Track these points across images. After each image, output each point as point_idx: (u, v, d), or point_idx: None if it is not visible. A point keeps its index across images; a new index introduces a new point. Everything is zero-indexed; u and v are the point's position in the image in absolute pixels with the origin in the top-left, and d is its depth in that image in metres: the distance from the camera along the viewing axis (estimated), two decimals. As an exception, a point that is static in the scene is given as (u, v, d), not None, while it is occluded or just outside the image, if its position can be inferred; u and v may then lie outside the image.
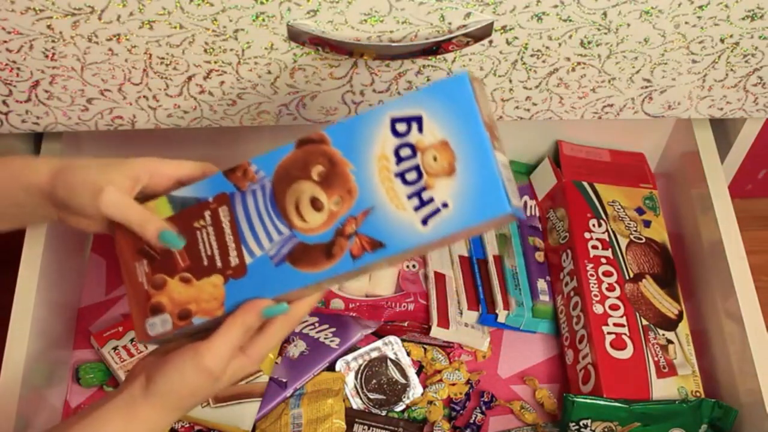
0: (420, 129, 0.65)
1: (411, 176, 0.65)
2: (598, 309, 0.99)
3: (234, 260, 0.70)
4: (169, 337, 0.72)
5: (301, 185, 0.68)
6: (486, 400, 1.00)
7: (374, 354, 1.02)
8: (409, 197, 0.65)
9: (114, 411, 0.69)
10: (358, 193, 0.67)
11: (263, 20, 0.82)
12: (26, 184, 0.73)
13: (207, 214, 0.71)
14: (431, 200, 0.65)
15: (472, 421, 0.99)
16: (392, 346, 1.02)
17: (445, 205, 0.64)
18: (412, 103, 0.66)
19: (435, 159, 0.65)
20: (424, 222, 0.65)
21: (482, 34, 0.84)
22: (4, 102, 0.91)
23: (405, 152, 0.66)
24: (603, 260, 1.02)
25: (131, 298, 0.73)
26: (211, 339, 0.69)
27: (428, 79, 0.90)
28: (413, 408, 1.00)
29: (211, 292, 0.70)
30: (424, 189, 0.65)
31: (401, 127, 0.66)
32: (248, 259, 0.69)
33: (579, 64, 0.90)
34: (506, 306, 1.02)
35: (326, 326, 1.02)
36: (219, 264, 0.70)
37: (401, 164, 0.66)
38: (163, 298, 0.72)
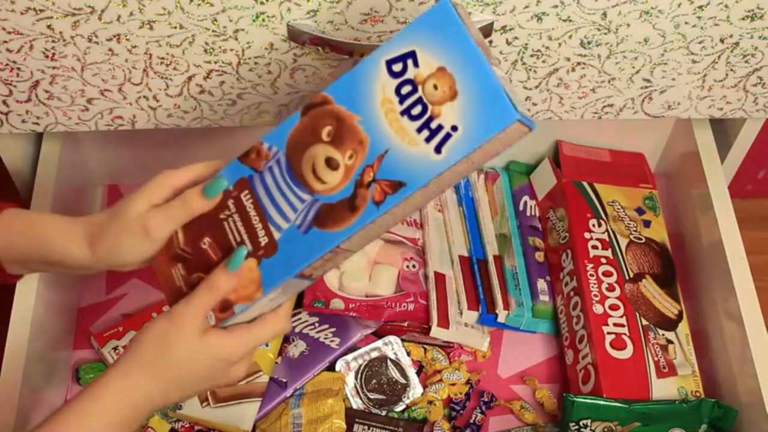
0: (415, 63, 0.66)
1: (416, 110, 0.65)
2: (598, 309, 0.99)
3: (263, 240, 0.70)
4: None
5: (314, 149, 0.68)
6: (486, 400, 1.00)
7: (374, 354, 1.02)
8: (419, 131, 0.65)
9: (85, 394, 0.69)
10: (370, 141, 0.66)
11: (263, 20, 0.82)
12: (65, 265, 0.74)
13: (230, 202, 0.71)
14: (440, 127, 0.64)
15: (472, 421, 0.99)
16: (392, 346, 1.02)
17: (454, 128, 0.64)
18: (403, 41, 0.66)
19: (435, 87, 0.65)
20: (438, 150, 0.64)
21: (482, 34, 0.84)
22: (4, 102, 0.91)
23: (406, 89, 0.66)
24: (603, 260, 1.02)
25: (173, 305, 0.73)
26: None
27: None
28: (413, 408, 1.00)
29: (247, 277, 0.70)
30: (431, 119, 0.65)
31: (397, 67, 0.66)
32: (277, 235, 0.69)
33: (579, 64, 0.90)
34: (506, 306, 1.02)
35: (326, 326, 1.02)
36: (250, 247, 0.70)
37: (405, 102, 0.66)
38: None
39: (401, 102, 0.66)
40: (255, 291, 0.70)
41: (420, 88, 0.65)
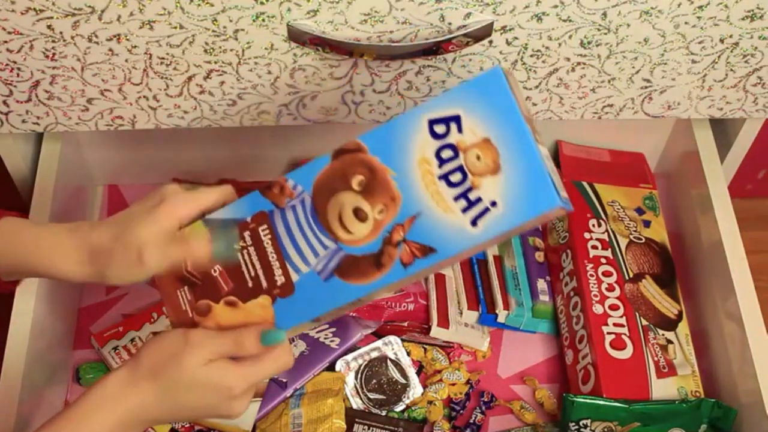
0: (459, 129, 0.65)
1: (455, 178, 0.64)
2: (597, 309, 0.99)
3: (280, 279, 0.69)
4: None
5: (342, 196, 0.67)
6: (486, 400, 1.00)
7: (374, 354, 1.02)
8: (456, 199, 0.64)
9: (86, 399, 0.69)
10: (402, 199, 0.66)
11: (263, 20, 0.82)
12: (54, 277, 0.74)
13: (246, 234, 0.70)
14: (479, 200, 0.64)
15: (472, 421, 0.99)
16: (392, 346, 1.02)
17: (494, 204, 0.63)
18: (448, 103, 0.65)
19: (478, 158, 0.64)
20: (474, 223, 0.64)
21: (482, 34, 0.84)
22: (4, 102, 0.91)
23: (446, 154, 0.65)
24: (603, 260, 1.02)
25: (176, 327, 0.72)
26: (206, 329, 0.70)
27: (428, 79, 0.90)
28: (413, 408, 1.00)
29: (260, 314, 0.70)
30: (470, 189, 0.64)
31: (440, 129, 0.65)
32: (294, 277, 0.69)
33: (579, 64, 0.90)
34: (506, 306, 1.02)
35: (326, 326, 1.02)
36: (265, 284, 0.70)
37: (444, 166, 0.65)
38: (210, 324, 0.71)
39: (440, 166, 0.65)
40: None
41: (462, 155, 0.64)
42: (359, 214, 0.67)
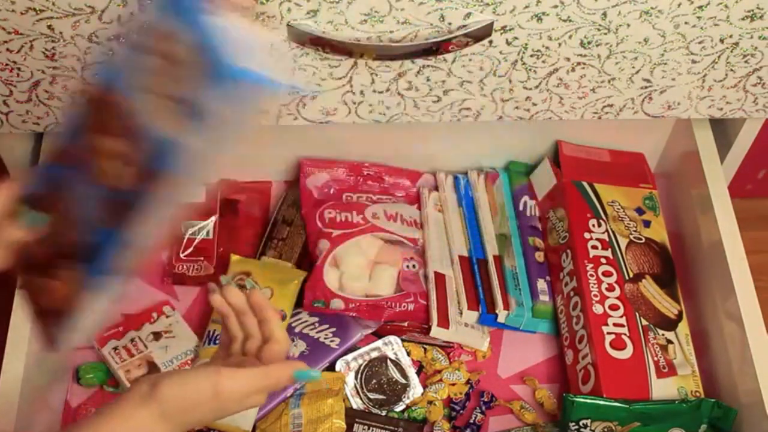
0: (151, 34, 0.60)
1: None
2: (597, 309, 0.99)
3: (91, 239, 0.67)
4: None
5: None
6: (486, 400, 1.00)
7: (374, 354, 1.02)
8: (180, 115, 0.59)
9: (110, 415, 0.68)
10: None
11: (263, 20, 0.82)
12: None
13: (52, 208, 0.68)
14: (197, 107, 0.58)
15: (472, 421, 0.99)
16: (392, 346, 1.02)
17: (205, 108, 0.58)
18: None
19: (175, 62, 0.58)
20: (198, 134, 0.59)
21: (482, 34, 0.84)
22: (4, 102, 0.91)
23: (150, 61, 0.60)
24: (603, 260, 1.02)
25: (37, 312, 0.72)
26: (238, 370, 0.70)
27: (428, 79, 0.90)
28: (413, 408, 1.00)
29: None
30: (183, 93, 0.59)
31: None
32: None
33: (579, 64, 0.90)
34: (506, 306, 1.02)
35: (326, 326, 1.02)
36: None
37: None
38: (58, 287, 0.70)
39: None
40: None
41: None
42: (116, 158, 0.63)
